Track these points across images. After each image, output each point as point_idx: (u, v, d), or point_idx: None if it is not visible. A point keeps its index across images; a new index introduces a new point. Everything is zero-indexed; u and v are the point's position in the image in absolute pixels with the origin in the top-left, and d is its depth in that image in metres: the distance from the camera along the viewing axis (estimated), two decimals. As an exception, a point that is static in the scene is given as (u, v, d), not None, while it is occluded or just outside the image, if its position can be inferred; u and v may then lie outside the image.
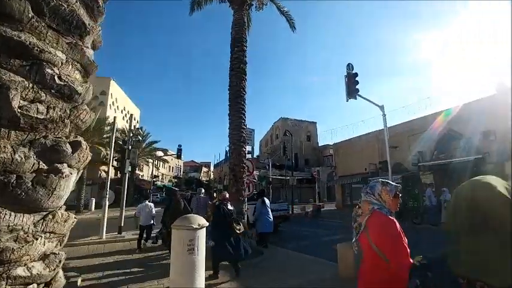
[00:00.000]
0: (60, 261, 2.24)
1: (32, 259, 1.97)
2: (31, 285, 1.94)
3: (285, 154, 23.57)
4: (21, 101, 1.93)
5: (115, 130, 11.88)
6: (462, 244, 0.68)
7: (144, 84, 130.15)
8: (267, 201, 8.24)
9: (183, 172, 68.33)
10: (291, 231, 12.25)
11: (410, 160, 17.96)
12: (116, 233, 10.87)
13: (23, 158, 1.88)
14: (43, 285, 2.08)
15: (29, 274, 1.92)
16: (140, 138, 31.03)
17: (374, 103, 11.72)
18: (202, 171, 73.44)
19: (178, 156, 29.16)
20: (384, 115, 11.72)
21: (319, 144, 42.81)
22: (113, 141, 11.85)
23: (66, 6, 2.18)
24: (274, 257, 6.78)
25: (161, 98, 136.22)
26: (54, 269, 2.16)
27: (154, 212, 8.47)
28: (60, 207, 2.25)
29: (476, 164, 14.11)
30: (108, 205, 11.83)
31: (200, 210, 7.19)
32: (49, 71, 2.06)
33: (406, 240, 1.67)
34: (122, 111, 41.13)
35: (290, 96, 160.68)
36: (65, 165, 2.14)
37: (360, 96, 10.94)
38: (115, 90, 40.09)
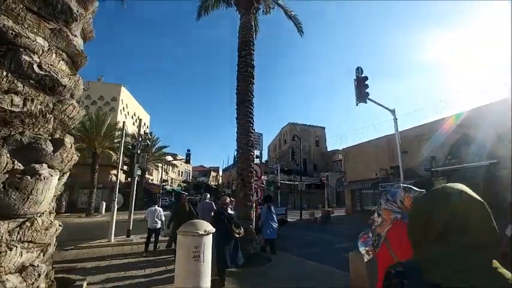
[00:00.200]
0: (39, 275, 1.96)
1: (7, 271, 1.71)
2: None
3: (294, 159, 23.36)
4: (-9, 91, 1.64)
5: (125, 135, 12.09)
6: (432, 250, 0.69)
7: (154, 90, 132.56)
8: (272, 207, 8.16)
9: (192, 177, 68.71)
10: (300, 237, 12.02)
11: (422, 165, 17.48)
12: (125, 236, 10.93)
13: (-6, 157, 1.59)
14: None
15: (2, 288, 1.66)
16: (149, 143, 31.41)
17: (385, 107, 11.49)
18: (211, 176, 73.69)
19: (187, 161, 29.31)
20: (395, 119, 11.47)
21: (328, 149, 42.37)
22: (122, 146, 11.99)
23: (49, -13, 1.85)
24: (282, 264, 6.61)
25: (171, 104, 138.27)
26: (33, 283, 1.88)
27: (163, 217, 8.61)
28: (42, 213, 1.97)
29: (490, 169, 13.62)
30: (118, 208, 11.98)
31: (205, 215, 7.11)
32: (27, 58, 1.79)
33: None
34: (132, 116, 41.84)
35: (299, 101, 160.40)
36: (45, 165, 1.88)
37: (370, 100, 10.76)
38: (125, 96, 40.88)
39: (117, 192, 11.42)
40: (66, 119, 2.13)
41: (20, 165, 1.75)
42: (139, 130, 13.15)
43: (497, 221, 0.68)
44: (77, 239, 10.40)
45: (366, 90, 10.59)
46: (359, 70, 10.92)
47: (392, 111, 11.48)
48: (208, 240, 3.69)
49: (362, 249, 1.92)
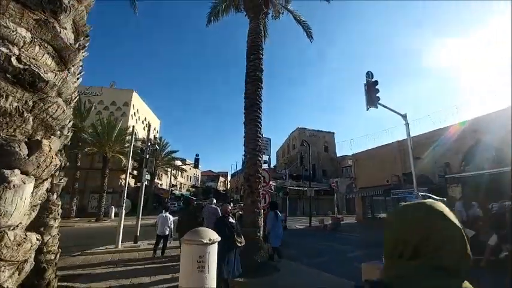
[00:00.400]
0: None
1: None
2: None
3: (302, 164, 23.06)
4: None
5: (134, 140, 12.12)
6: (404, 268, 0.68)
7: (165, 95, 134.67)
8: (278, 213, 8.04)
9: (201, 182, 68.96)
10: (310, 245, 11.71)
11: (435, 172, 16.92)
12: (132, 242, 10.90)
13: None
14: None
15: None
16: (157, 148, 31.66)
17: (396, 112, 11.20)
18: (219, 181, 73.80)
19: (196, 166, 29.36)
20: (407, 124, 11.15)
21: (337, 155, 41.78)
22: (131, 151, 12.03)
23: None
24: (291, 274, 6.37)
25: (181, 108, 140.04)
26: None
27: (172, 224, 8.72)
28: (15, 226, 1.71)
29: (507, 176, 13.00)
30: (126, 213, 12.00)
31: (210, 220, 7.01)
32: (4, 49, 1.62)
33: None
34: (142, 121, 42.47)
35: (307, 106, 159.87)
36: (17, 171, 1.67)
37: (380, 104, 10.50)
38: (137, 101, 41.62)
39: (125, 197, 11.41)
40: (49, 119, 1.87)
41: None
42: (148, 135, 13.23)
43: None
44: (84, 244, 10.46)
45: (377, 95, 10.36)
46: (369, 74, 10.71)
47: (404, 116, 11.17)
48: (214, 250, 3.54)
49: None
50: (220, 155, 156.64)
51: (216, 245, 3.65)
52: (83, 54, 6.04)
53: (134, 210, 12.12)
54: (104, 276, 6.36)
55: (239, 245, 4.82)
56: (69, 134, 5.67)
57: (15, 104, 1.65)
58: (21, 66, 1.67)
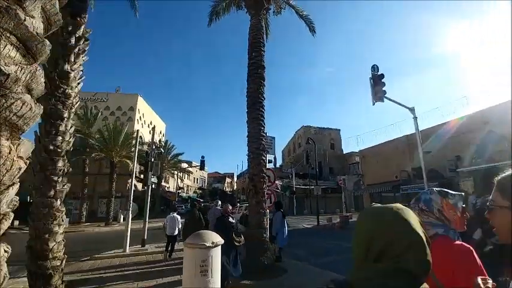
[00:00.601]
0: None
1: None
2: None
3: (308, 163, 22.81)
4: None
5: (140, 144, 12.24)
6: (366, 269, 0.72)
7: (169, 98, 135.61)
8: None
9: (207, 183, 69.16)
10: (317, 245, 11.53)
11: (446, 166, 16.51)
12: (140, 246, 10.91)
13: None
14: None
15: None
16: (162, 151, 31.81)
17: (403, 105, 10.93)
18: (226, 182, 73.88)
19: (202, 168, 29.41)
20: (415, 118, 10.86)
21: (344, 152, 41.31)
22: (136, 155, 12.04)
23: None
24: (298, 275, 6.23)
25: (186, 110, 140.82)
26: None
27: (180, 224, 8.82)
28: None
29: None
30: (134, 217, 12.03)
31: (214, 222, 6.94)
32: None
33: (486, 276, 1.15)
34: (148, 125, 42.77)
35: (312, 103, 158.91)
36: None
37: (387, 98, 10.25)
38: (142, 105, 41.95)
39: (131, 201, 11.43)
40: (14, 117, 1.67)
41: None
42: (152, 138, 13.22)
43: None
44: (93, 249, 10.54)
45: (383, 89, 10.11)
46: (375, 68, 10.45)
47: (412, 110, 10.88)
48: (217, 253, 3.42)
49: None
50: (227, 156, 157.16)
51: (219, 248, 3.53)
52: (83, 58, 6.04)
53: (142, 214, 12.15)
54: (111, 280, 6.38)
55: (237, 244, 4.78)
56: (71, 139, 5.64)
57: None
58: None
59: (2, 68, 1.57)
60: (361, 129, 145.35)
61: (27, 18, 1.70)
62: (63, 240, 5.14)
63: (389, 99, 10.41)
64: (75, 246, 11.57)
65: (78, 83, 5.67)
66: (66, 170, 5.41)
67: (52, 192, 5.03)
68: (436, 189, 1.43)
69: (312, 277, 6.10)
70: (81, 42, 5.63)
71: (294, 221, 20.81)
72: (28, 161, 1.83)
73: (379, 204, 0.80)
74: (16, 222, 21.84)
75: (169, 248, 8.72)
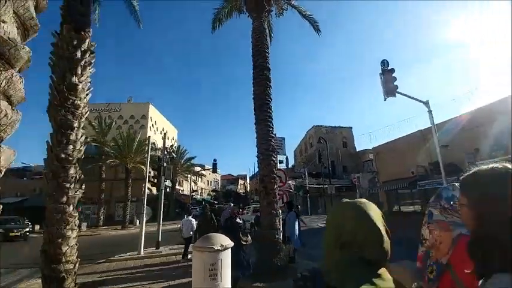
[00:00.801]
0: None
1: None
2: None
3: (321, 162, 22.51)
4: None
5: (154, 149, 12.52)
6: (334, 258, 0.81)
7: (180, 102, 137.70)
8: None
9: (221, 185, 69.65)
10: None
11: (465, 159, 15.83)
12: (154, 248, 11.09)
13: None
14: None
15: None
16: (174, 156, 32.40)
17: (417, 99, 10.59)
18: (239, 184, 74.15)
19: (214, 170, 29.68)
20: (430, 111, 10.49)
21: (357, 150, 40.52)
22: (148, 160, 12.30)
23: None
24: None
25: (198, 115, 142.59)
26: None
27: (194, 227, 9.02)
28: None
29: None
30: (149, 220, 12.26)
31: None
32: None
33: None
34: (160, 132, 43.67)
35: (323, 101, 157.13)
36: None
37: (399, 93, 9.97)
38: (154, 113, 42.92)
39: (145, 205, 11.66)
40: None
41: None
42: (164, 144, 13.48)
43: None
44: (110, 251, 10.83)
45: (394, 83, 9.84)
46: (384, 63, 10.20)
47: (426, 103, 10.52)
48: (226, 256, 3.39)
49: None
50: (239, 158, 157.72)
51: (228, 251, 3.50)
52: (90, 70, 6.19)
53: (156, 217, 12.38)
54: (125, 281, 6.56)
55: (244, 243, 4.88)
56: (81, 148, 5.78)
57: None
58: None
59: None
60: (373, 126, 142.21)
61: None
62: (76, 244, 5.29)
63: (402, 94, 10.12)
64: (92, 249, 11.99)
65: (87, 94, 5.85)
66: (78, 177, 5.54)
67: (65, 199, 5.18)
68: (458, 184, 1.31)
69: (326, 278, 5.98)
70: (87, 55, 5.81)
71: (308, 221, 20.57)
72: (4, 170, 1.75)
73: (348, 200, 0.88)
74: (37, 227, 22.82)
75: (187, 251, 8.96)
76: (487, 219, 0.79)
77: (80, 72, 5.59)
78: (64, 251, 4.93)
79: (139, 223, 24.95)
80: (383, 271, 0.78)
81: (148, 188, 19.62)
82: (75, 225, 5.29)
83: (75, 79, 5.48)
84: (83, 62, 5.66)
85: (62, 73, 5.42)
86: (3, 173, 1.73)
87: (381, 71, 10.12)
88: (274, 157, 7.31)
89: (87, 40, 5.84)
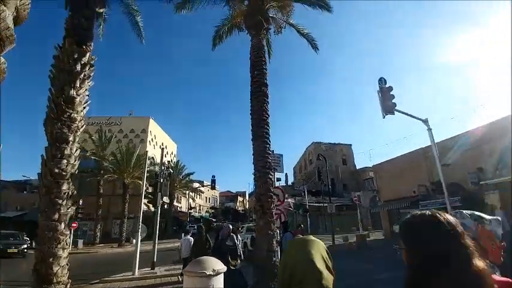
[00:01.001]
0: None
1: None
2: None
3: (320, 179, 22.22)
4: None
5: (153, 164, 12.32)
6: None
7: (180, 117, 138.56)
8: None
9: (220, 202, 68.62)
10: (334, 266, 10.85)
11: (468, 179, 15.60)
12: (149, 269, 10.68)
13: None
14: None
15: None
16: (171, 171, 32.08)
17: (416, 117, 10.56)
18: (238, 201, 73.09)
19: (212, 187, 29.28)
20: (430, 129, 10.42)
21: (357, 167, 40.27)
22: (145, 176, 12.12)
23: None
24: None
25: (196, 130, 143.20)
26: None
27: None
28: None
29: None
30: (145, 238, 11.88)
31: None
32: None
33: None
34: (160, 146, 43.57)
35: (322, 119, 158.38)
36: None
37: (398, 111, 9.95)
38: (154, 127, 43.08)
39: (140, 223, 11.35)
40: None
41: None
42: (161, 159, 13.31)
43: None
44: (104, 271, 10.55)
45: (393, 101, 9.85)
46: (382, 81, 10.27)
47: (425, 121, 10.47)
48: (218, 281, 3.18)
49: None
50: (239, 174, 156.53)
51: (221, 276, 3.29)
52: (89, 83, 6.22)
53: (153, 235, 12.02)
54: None
55: (233, 267, 4.72)
56: (75, 162, 5.68)
57: None
58: None
59: None
60: (372, 144, 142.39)
61: None
62: (67, 264, 5.13)
63: (401, 112, 10.10)
64: (86, 268, 11.65)
65: (84, 107, 5.85)
66: (70, 193, 5.44)
67: (56, 216, 5.05)
68: (467, 212, 1.17)
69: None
70: (87, 68, 5.89)
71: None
72: None
73: (299, 237, 0.96)
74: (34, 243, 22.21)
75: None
76: (419, 261, 0.86)
77: (78, 85, 5.62)
78: (55, 271, 4.79)
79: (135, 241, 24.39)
80: None
81: (145, 205, 19.29)
82: (67, 244, 5.17)
83: (73, 92, 5.50)
84: (82, 75, 5.71)
85: (61, 86, 5.45)
86: None
87: (378, 89, 10.17)
88: (271, 174, 7.18)
89: (88, 54, 5.93)
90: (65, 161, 5.27)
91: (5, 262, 13.42)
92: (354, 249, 16.55)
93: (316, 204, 28.48)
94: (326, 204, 22.31)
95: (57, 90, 5.44)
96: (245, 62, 8.15)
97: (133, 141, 37.88)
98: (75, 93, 5.50)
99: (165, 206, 34.01)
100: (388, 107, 9.87)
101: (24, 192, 36.01)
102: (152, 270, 10.62)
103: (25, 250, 17.23)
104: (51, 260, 4.81)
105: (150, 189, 18.50)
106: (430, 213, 0.92)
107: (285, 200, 9.59)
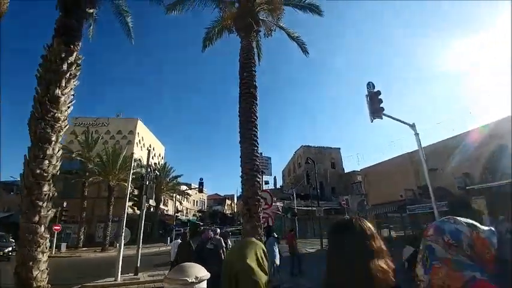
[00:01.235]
0: None
1: None
2: None
3: (309, 183, 22.25)
4: None
5: (139, 166, 11.94)
6: None
7: (169, 119, 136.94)
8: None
9: (207, 206, 67.82)
10: (322, 273, 10.77)
11: (454, 183, 15.91)
12: (132, 274, 10.31)
13: None
14: None
15: None
16: (158, 173, 31.46)
17: (403, 122, 10.69)
18: (226, 204, 72.48)
19: (200, 190, 28.86)
20: (417, 134, 10.57)
21: (346, 171, 40.71)
22: (130, 178, 11.78)
23: None
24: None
25: (185, 133, 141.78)
26: None
27: None
28: None
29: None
30: (129, 242, 11.50)
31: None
32: None
33: None
34: (147, 148, 42.77)
35: (311, 122, 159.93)
36: None
37: (386, 115, 10.06)
38: (141, 129, 42.29)
39: (124, 226, 10.97)
40: None
41: None
42: (147, 161, 12.96)
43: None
44: (87, 275, 10.23)
45: (381, 105, 9.96)
46: (370, 85, 10.37)
47: (413, 126, 10.62)
48: (201, 290, 2.99)
49: None
50: (227, 177, 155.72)
51: (204, 283, 3.10)
52: (74, 83, 6.11)
53: (144, 239, 11.64)
54: None
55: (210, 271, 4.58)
56: (57, 163, 5.50)
57: None
58: None
59: None
60: (360, 146, 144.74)
61: None
62: (47, 269, 5.01)
63: (388, 116, 10.21)
64: (69, 272, 11.18)
65: (68, 107, 5.80)
66: (51, 194, 5.29)
67: (37, 218, 4.92)
68: (462, 219, 1.07)
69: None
70: (73, 67, 5.86)
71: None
72: None
73: (245, 238, 0.95)
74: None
75: None
76: (336, 258, 1.00)
77: (64, 84, 5.56)
78: (35, 275, 4.70)
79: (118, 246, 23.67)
80: None
81: (130, 207, 18.73)
82: (46, 248, 5.06)
83: (58, 91, 5.42)
84: (68, 74, 5.64)
85: (47, 85, 5.39)
86: None
87: (367, 93, 10.27)
88: (259, 177, 7.06)
89: (75, 53, 5.89)
90: (46, 162, 5.19)
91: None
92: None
93: (305, 208, 28.51)
94: (314, 208, 22.35)
95: (43, 89, 5.39)
96: (235, 64, 8.13)
97: (120, 142, 37.00)
98: (60, 92, 5.44)
99: (151, 209, 33.28)
100: (376, 110, 9.97)
101: (11, 193, 34.83)
102: (135, 276, 10.26)
103: (9, 253, 16.50)
104: (31, 263, 4.73)
105: (135, 192, 18.02)
106: (348, 218, 1.08)
107: (273, 204, 9.48)
